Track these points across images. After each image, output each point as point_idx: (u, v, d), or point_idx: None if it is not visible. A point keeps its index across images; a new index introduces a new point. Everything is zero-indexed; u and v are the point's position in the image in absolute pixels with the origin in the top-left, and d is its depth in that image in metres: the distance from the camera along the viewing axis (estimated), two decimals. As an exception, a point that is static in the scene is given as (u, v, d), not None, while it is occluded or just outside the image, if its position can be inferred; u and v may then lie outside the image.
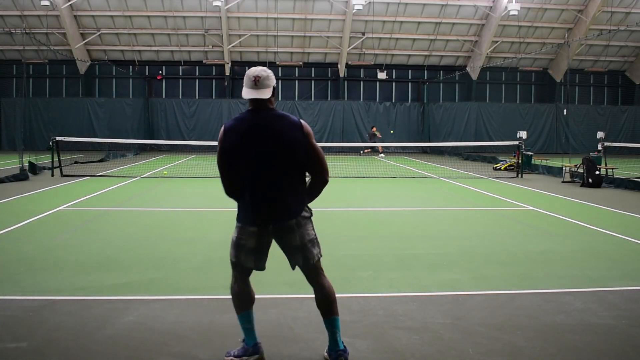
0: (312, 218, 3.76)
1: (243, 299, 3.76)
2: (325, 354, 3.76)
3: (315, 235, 3.76)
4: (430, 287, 5.52)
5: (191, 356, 3.85)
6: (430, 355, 3.88)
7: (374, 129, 30.10)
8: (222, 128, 3.63)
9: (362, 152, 30.24)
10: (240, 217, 3.68)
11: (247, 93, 3.54)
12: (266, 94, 3.52)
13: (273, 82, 3.58)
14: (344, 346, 3.71)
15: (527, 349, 4.00)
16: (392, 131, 31.32)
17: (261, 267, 3.86)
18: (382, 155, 29.29)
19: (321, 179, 3.71)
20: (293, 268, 3.90)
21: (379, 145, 27.79)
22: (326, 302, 3.80)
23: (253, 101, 3.57)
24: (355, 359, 3.82)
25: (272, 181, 3.56)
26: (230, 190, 3.69)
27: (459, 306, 4.92)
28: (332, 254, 6.87)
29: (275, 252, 6.98)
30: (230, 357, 3.76)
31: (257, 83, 3.52)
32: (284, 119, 3.58)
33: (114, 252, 6.85)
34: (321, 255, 3.83)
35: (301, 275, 5.88)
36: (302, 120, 3.64)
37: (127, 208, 10.71)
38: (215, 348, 3.98)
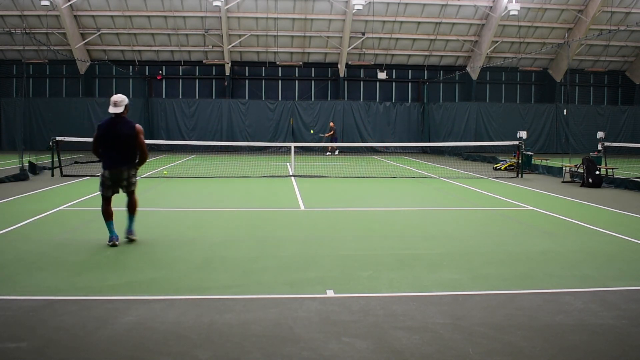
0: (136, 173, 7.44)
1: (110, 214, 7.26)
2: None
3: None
4: (430, 287, 5.52)
5: (191, 356, 3.85)
6: (430, 355, 3.89)
7: (332, 124, 30.26)
8: (98, 124, 7.24)
9: (329, 152, 29.81)
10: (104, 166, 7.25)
11: (111, 109, 7.11)
12: (120, 110, 7.11)
13: (126, 102, 7.20)
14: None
15: (527, 349, 4.00)
16: (312, 131, 31.19)
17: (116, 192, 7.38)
18: (329, 153, 29.44)
19: (140, 157, 7.41)
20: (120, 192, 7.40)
21: (333, 144, 28.08)
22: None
23: (114, 114, 7.12)
24: (355, 359, 3.82)
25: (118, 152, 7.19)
26: (96, 152, 7.33)
27: (459, 306, 4.92)
28: (332, 254, 6.88)
29: (276, 253, 7.01)
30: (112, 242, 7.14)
31: (116, 104, 7.07)
32: (127, 123, 7.20)
33: (114, 252, 6.86)
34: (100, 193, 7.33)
35: (301, 275, 5.90)
36: (137, 125, 7.29)
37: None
38: (215, 348, 3.98)
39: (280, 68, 34.31)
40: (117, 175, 7.18)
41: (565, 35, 31.64)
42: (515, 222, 9.38)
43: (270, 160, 24.53)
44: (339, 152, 30.16)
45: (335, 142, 29.17)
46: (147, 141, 26.65)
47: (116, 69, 32.81)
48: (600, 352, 3.98)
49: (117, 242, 7.11)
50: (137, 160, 7.42)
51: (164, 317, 4.58)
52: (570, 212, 10.44)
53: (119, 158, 7.15)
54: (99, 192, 7.29)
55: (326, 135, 29.87)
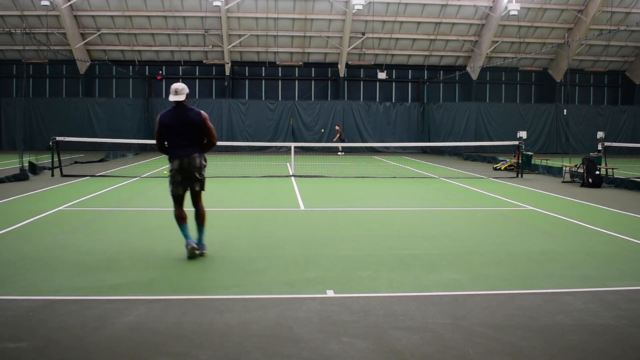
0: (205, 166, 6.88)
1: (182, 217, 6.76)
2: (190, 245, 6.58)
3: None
4: (430, 287, 5.52)
5: (191, 356, 3.85)
6: (430, 355, 3.88)
7: (338, 127, 30.89)
8: (159, 114, 6.69)
9: (340, 153, 30.46)
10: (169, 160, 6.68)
11: (172, 98, 6.58)
12: (182, 97, 6.59)
13: (187, 90, 6.69)
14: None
15: (527, 349, 4.00)
16: (322, 130, 31.99)
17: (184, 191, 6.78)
18: (340, 153, 30.15)
19: (209, 142, 6.84)
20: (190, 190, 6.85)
21: (339, 144, 28.62)
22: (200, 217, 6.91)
23: (176, 102, 6.60)
24: (355, 359, 3.82)
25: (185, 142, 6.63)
26: (161, 146, 6.75)
27: (459, 306, 4.92)
28: (332, 254, 6.88)
29: (276, 253, 7.00)
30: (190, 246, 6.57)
31: (177, 92, 6.57)
32: (192, 110, 6.67)
33: (114, 252, 6.85)
34: (170, 193, 6.79)
35: (301, 275, 5.90)
36: (202, 111, 6.77)
37: (127, 208, 10.71)
38: (215, 348, 3.98)
39: (280, 68, 34.32)
40: (188, 163, 6.60)
41: (565, 35, 31.64)
42: (515, 222, 9.38)
43: (270, 160, 24.52)
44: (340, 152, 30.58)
45: (342, 142, 29.68)
46: (148, 141, 26.56)
47: (116, 69, 32.81)
48: (600, 352, 3.98)
49: (196, 247, 6.60)
50: (204, 147, 6.87)
51: (164, 317, 4.58)
52: (570, 212, 10.44)
53: (189, 146, 6.61)
54: (170, 193, 6.73)
55: (335, 138, 30.30)
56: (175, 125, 6.56)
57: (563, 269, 6.24)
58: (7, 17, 29.34)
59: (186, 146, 6.61)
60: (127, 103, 32.03)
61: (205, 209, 6.97)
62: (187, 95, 6.65)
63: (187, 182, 6.74)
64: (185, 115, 6.59)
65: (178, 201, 6.76)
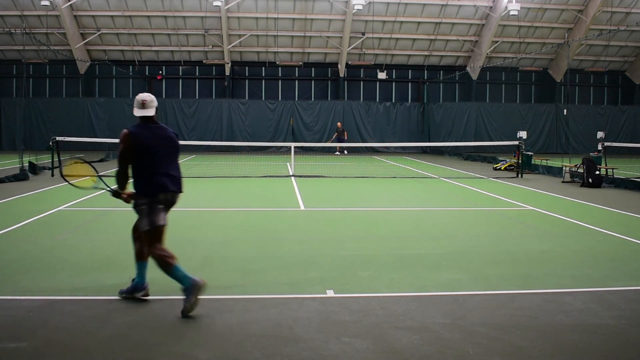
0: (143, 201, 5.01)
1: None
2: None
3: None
4: (430, 287, 5.52)
5: (191, 356, 3.85)
6: (430, 355, 3.89)
7: (340, 124, 31.17)
8: (126, 131, 4.92)
9: (338, 152, 30.66)
10: (147, 192, 4.94)
11: (139, 112, 4.99)
12: (152, 112, 4.99)
13: (156, 103, 5.06)
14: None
15: (527, 349, 4.00)
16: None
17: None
18: (337, 153, 30.42)
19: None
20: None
21: (343, 144, 28.81)
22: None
23: (142, 118, 5.01)
24: (355, 359, 3.82)
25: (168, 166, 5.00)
26: (124, 173, 5.14)
27: (459, 306, 4.92)
28: (332, 254, 6.88)
29: (276, 253, 7.00)
30: (123, 295, 5.09)
31: (144, 105, 4.98)
32: (168, 129, 5.16)
33: (114, 252, 6.85)
34: (148, 227, 4.94)
35: (301, 275, 5.90)
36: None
37: (127, 208, 10.66)
38: (215, 348, 3.98)
39: (280, 68, 34.30)
40: (172, 201, 5.07)
41: (565, 35, 31.64)
42: (516, 222, 9.38)
43: (270, 160, 24.52)
44: (346, 152, 30.70)
45: (341, 142, 29.85)
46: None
47: (116, 69, 32.80)
48: (600, 352, 3.98)
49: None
50: None
51: (164, 317, 4.59)
52: (570, 212, 10.44)
53: (176, 177, 5.06)
54: (147, 227, 4.92)
55: (334, 137, 30.61)
56: (157, 148, 4.95)
57: (563, 269, 6.24)
58: (7, 17, 29.33)
59: (174, 177, 5.03)
60: (127, 103, 31.95)
61: None
62: (156, 108, 5.08)
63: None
64: (166, 136, 5.07)
65: (161, 236, 5.01)
